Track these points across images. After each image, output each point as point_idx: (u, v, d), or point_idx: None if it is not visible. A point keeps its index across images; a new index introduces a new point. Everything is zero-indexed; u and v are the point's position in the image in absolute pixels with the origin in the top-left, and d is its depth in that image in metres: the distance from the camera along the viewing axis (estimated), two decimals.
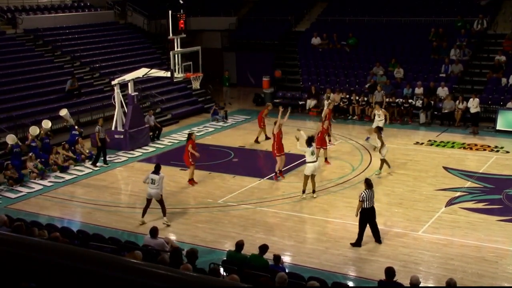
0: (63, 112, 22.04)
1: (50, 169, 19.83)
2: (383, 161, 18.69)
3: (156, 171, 15.29)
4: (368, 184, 13.80)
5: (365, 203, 13.62)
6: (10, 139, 19.65)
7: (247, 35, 34.83)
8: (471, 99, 24.34)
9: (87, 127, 23.22)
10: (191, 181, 18.47)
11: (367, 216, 13.70)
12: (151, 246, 11.39)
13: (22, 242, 2.55)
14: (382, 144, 18.52)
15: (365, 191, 13.67)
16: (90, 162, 20.72)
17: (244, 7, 37.95)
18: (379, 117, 22.32)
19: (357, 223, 13.90)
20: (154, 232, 11.78)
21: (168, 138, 24.33)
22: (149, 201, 15.36)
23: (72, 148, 21.18)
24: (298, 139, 17.41)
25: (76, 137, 21.49)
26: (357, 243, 13.69)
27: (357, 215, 13.80)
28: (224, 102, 30.03)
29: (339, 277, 12.33)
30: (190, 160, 18.21)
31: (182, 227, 15.23)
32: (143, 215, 15.46)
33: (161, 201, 15.35)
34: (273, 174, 18.83)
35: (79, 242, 11.19)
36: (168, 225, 15.20)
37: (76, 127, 21.79)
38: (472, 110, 24.23)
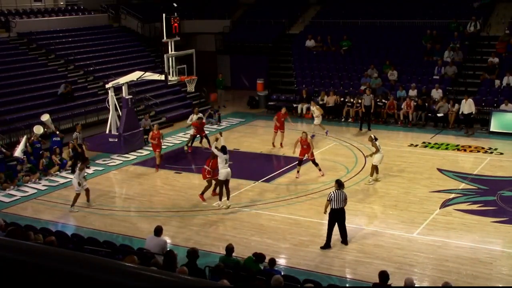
0: (45, 117, 21.79)
1: (42, 174, 19.78)
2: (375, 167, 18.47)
3: (225, 151, 16.27)
4: (339, 184, 13.82)
5: (334, 204, 13.59)
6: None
7: (241, 38, 34.85)
8: (463, 101, 24.42)
9: (81, 131, 23.14)
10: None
11: (335, 217, 13.70)
12: (147, 250, 11.37)
13: (17, 246, 2.54)
14: (377, 151, 18.25)
15: (334, 191, 13.72)
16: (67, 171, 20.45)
17: (238, 10, 37.98)
18: (314, 113, 23.63)
19: (350, 225, 13.91)
20: (158, 231, 11.81)
21: (162, 141, 24.24)
22: (224, 182, 16.23)
23: (52, 156, 20.58)
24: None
25: (55, 146, 20.87)
26: (326, 245, 13.72)
27: (325, 213, 13.91)
28: (219, 105, 30.06)
29: (334, 279, 12.34)
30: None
31: (176, 230, 15.21)
32: (220, 199, 16.41)
33: (228, 183, 16.28)
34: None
35: (74, 246, 11.16)
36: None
37: (57, 132, 21.45)
38: (465, 111, 24.32)
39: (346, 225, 13.87)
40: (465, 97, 24.64)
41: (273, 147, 22.61)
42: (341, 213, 13.74)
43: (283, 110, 23.16)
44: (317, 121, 23.86)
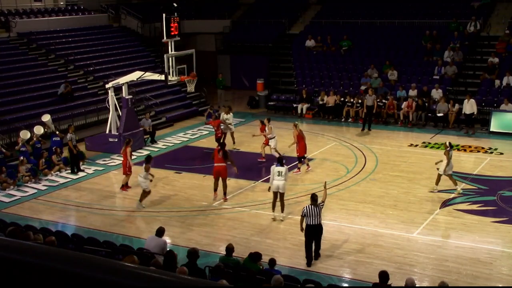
0: (46, 117, 21.82)
1: (41, 173, 19.79)
2: (450, 176, 17.33)
3: (281, 163, 15.58)
4: (313, 199, 12.90)
5: (309, 220, 12.75)
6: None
7: (241, 38, 34.88)
8: (466, 100, 24.41)
9: (81, 131, 23.19)
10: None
11: (311, 233, 12.86)
12: (147, 250, 11.37)
13: (17, 246, 2.53)
14: (448, 162, 17.18)
15: (307, 207, 12.84)
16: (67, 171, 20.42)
17: (238, 10, 38.01)
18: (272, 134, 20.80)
19: (350, 225, 13.89)
20: (160, 232, 11.85)
21: (162, 142, 24.31)
22: (276, 194, 15.49)
23: (51, 157, 20.59)
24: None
25: (55, 146, 20.88)
26: (308, 263, 12.97)
27: (302, 230, 13.08)
28: (218, 105, 30.04)
29: (334, 279, 12.34)
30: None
31: (176, 230, 15.20)
32: (273, 209, 15.65)
33: (282, 196, 15.49)
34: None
35: (74, 246, 11.16)
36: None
37: (57, 132, 21.46)
38: (467, 111, 24.29)
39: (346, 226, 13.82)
40: (467, 96, 24.60)
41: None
42: (318, 229, 12.91)
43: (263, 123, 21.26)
44: (272, 143, 20.79)
